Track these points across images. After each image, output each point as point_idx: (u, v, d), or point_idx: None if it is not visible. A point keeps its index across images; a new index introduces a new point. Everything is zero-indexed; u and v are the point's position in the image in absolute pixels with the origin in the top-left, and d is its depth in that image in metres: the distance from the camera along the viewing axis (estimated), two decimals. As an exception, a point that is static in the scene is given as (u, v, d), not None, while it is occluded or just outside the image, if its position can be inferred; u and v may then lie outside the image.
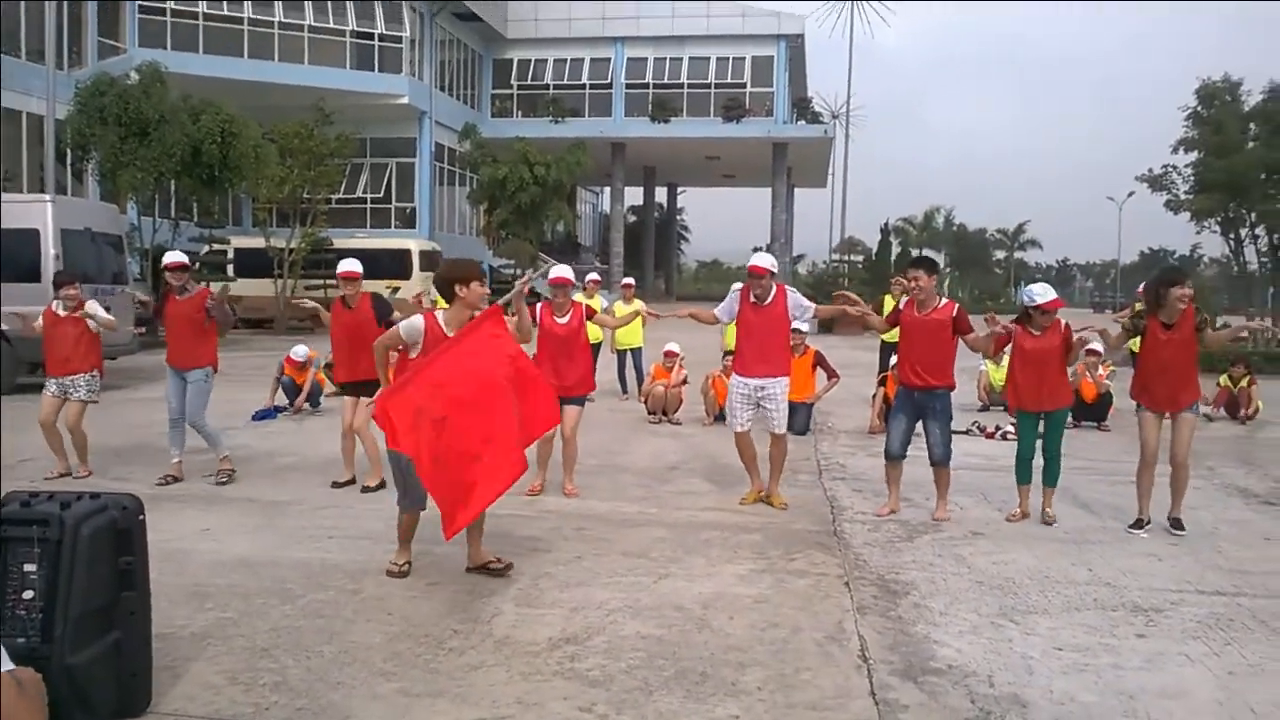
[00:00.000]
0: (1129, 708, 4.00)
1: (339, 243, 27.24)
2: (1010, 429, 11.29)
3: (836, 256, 46.21)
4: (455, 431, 4.98)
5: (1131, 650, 4.66)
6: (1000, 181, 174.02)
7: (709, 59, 41.27)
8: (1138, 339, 7.37)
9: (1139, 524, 6.98)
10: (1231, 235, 28.85)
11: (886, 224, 47.30)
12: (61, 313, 8.21)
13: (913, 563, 6.09)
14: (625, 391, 13.84)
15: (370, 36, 33.49)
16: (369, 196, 35.37)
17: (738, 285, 7.90)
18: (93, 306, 8.29)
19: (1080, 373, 11.66)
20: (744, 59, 41.20)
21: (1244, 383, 12.97)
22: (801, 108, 43.03)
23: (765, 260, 7.39)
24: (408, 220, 35.44)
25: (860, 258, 46.57)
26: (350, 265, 8.10)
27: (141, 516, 3.84)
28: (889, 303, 13.52)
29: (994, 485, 8.19)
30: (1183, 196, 28.47)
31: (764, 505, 7.51)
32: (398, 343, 5.61)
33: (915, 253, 70.20)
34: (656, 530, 6.74)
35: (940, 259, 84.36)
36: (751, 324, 7.46)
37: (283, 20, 32.00)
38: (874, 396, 11.94)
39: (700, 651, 4.51)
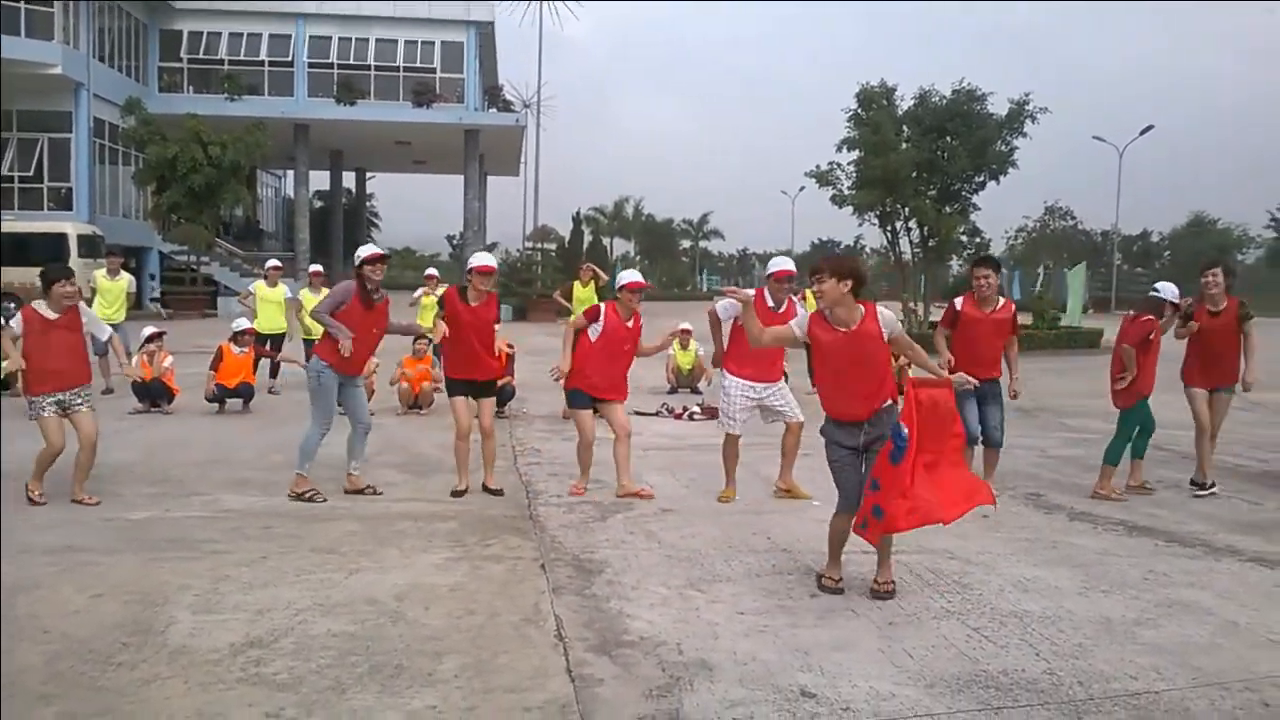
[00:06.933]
0: (804, 662, 4.30)
1: (-20, 225, 24.48)
2: (697, 410, 11.87)
3: (530, 244, 46.44)
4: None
5: (806, 609, 5.01)
6: (685, 173, 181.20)
7: (397, 42, 40.20)
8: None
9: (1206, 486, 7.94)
10: (888, 228, 31.32)
11: (578, 213, 48.39)
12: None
13: (606, 541, 6.25)
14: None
15: (15, -2, 30.08)
16: (17, 175, 31.78)
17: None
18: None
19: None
20: (434, 44, 40.49)
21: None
22: (493, 95, 42.89)
23: (790, 264, 7.32)
24: (63, 201, 32.12)
25: (554, 246, 47.13)
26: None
27: None
28: (579, 289, 13.88)
29: (682, 463, 8.54)
30: (846, 192, 30.57)
31: (465, 494, 7.47)
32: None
33: (606, 241, 72.19)
34: (348, 524, 6.53)
35: (630, 247, 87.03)
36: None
37: (-97, -26, 28.14)
38: (567, 382, 12.15)
39: (395, 644, 4.41)
